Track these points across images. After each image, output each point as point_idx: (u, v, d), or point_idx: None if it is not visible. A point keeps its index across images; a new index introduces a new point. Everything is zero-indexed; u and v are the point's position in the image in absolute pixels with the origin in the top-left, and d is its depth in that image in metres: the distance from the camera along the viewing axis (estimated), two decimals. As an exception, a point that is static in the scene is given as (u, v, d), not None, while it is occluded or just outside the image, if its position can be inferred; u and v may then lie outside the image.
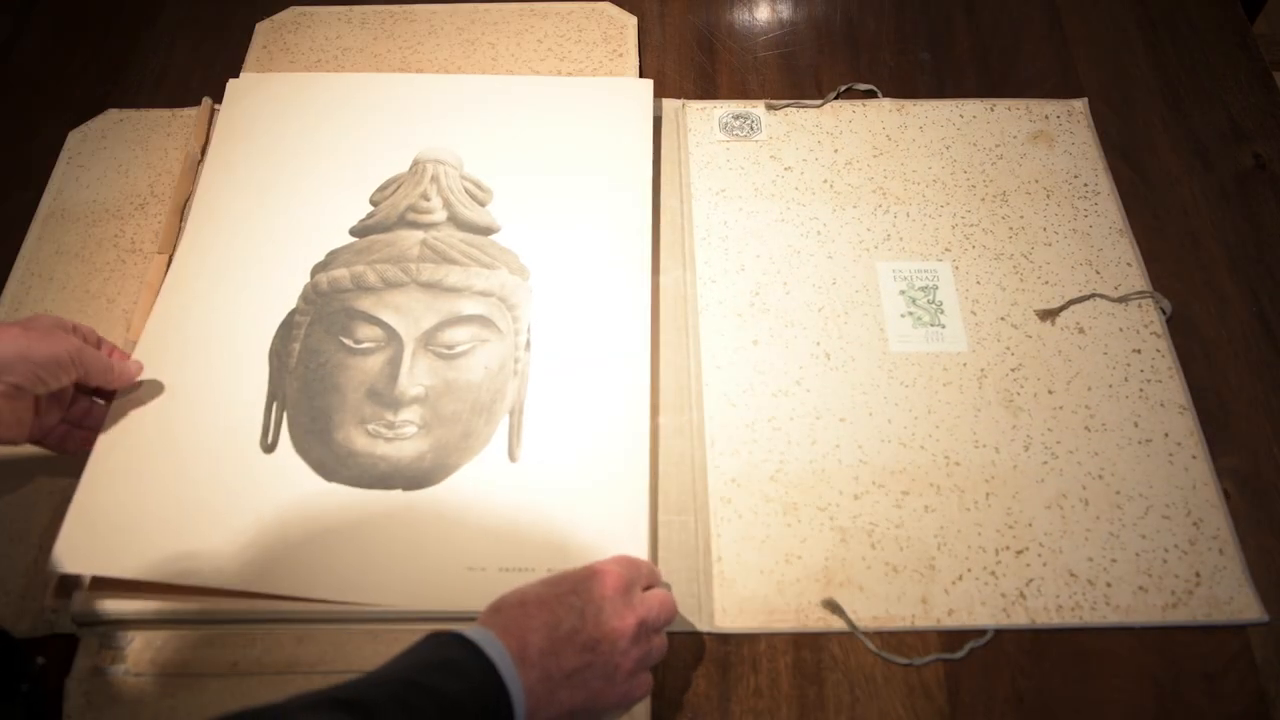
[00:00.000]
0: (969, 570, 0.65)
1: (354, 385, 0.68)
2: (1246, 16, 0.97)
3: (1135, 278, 0.78)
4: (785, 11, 0.98)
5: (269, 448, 0.67)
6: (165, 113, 0.89)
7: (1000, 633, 0.63)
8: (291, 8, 0.96)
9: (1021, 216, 0.81)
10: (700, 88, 0.90)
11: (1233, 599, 0.63)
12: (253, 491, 0.65)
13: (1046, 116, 0.88)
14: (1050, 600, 0.63)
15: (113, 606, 0.61)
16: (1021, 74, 0.92)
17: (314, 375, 0.69)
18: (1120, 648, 0.62)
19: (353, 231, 0.76)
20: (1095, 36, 0.95)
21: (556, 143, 0.82)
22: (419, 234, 0.74)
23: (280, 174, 0.81)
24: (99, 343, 0.67)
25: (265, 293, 0.73)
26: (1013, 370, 0.73)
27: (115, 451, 0.66)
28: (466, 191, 0.78)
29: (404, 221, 0.75)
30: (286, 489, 0.65)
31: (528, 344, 0.71)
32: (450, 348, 0.69)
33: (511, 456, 0.66)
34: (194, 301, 0.74)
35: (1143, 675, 0.62)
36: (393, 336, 0.69)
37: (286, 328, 0.71)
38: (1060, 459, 0.69)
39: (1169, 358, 0.74)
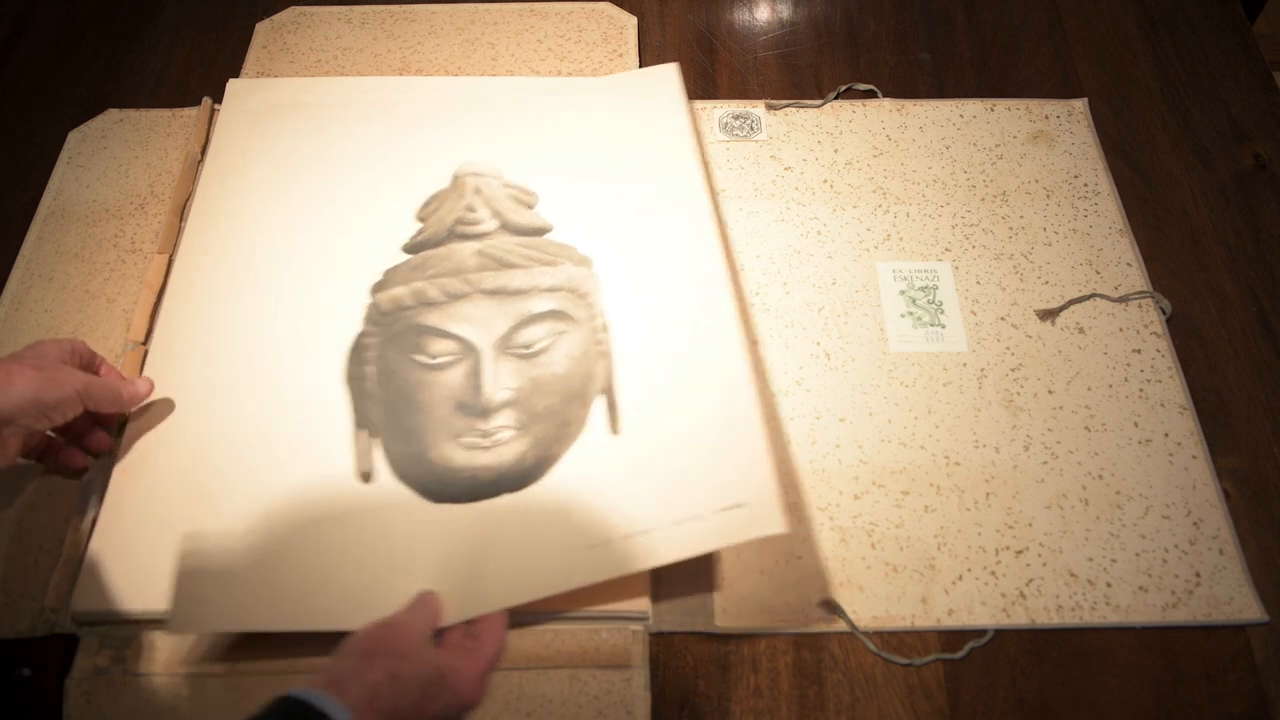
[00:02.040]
0: (969, 570, 0.65)
1: (438, 401, 0.67)
2: (1246, 16, 0.97)
3: (1135, 278, 0.78)
4: (785, 11, 0.98)
5: (365, 476, 0.65)
6: (165, 113, 0.89)
7: (1000, 633, 0.63)
8: (291, 8, 0.96)
9: (1021, 216, 0.81)
10: (700, 88, 0.90)
11: (1233, 599, 0.63)
12: (352, 524, 0.63)
13: (1046, 116, 0.88)
14: (1050, 600, 0.64)
15: (113, 606, 0.61)
16: (1021, 74, 0.92)
17: (396, 398, 0.67)
18: (1120, 648, 0.62)
19: (405, 249, 0.75)
20: (1095, 36, 0.95)
21: (591, 138, 0.81)
22: (473, 245, 0.73)
23: (298, 184, 0.80)
24: (94, 360, 0.67)
25: (306, 310, 0.72)
26: (1013, 370, 0.73)
27: (143, 483, 0.65)
28: (512, 198, 0.77)
29: (454, 235, 0.74)
30: (389, 517, 0.63)
31: (606, 325, 0.70)
32: (528, 347, 0.68)
33: (613, 430, 0.66)
34: (203, 312, 0.73)
35: (1143, 675, 0.62)
36: (468, 348, 0.68)
37: (357, 351, 0.70)
38: (1060, 459, 0.69)
39: (1169, 358, 0.74)
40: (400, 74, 0.90)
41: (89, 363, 0.66)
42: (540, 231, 0.75)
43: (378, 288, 0.73)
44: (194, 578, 0.61)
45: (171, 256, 0.77)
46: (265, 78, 0.90)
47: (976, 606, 0.63)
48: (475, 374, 0.67)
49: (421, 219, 0.77)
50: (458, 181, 0.78)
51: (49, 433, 0.66)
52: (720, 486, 0.61)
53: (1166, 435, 0.70)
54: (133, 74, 0.93)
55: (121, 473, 0.66)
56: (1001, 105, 0.89)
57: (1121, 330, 0.75)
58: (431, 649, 0.56)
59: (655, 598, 0.63)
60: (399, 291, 0.71)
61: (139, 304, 0.75)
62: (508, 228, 0.75)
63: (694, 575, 0.64)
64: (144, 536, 0.64)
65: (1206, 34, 0.95)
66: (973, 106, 0.88)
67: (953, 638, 0.63)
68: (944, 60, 0.93)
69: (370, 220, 0.77)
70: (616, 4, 0.96)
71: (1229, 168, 0.85)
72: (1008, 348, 0.74)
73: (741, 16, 0.97)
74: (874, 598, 0.64)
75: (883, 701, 0.61)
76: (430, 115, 0.84)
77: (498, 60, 0.91)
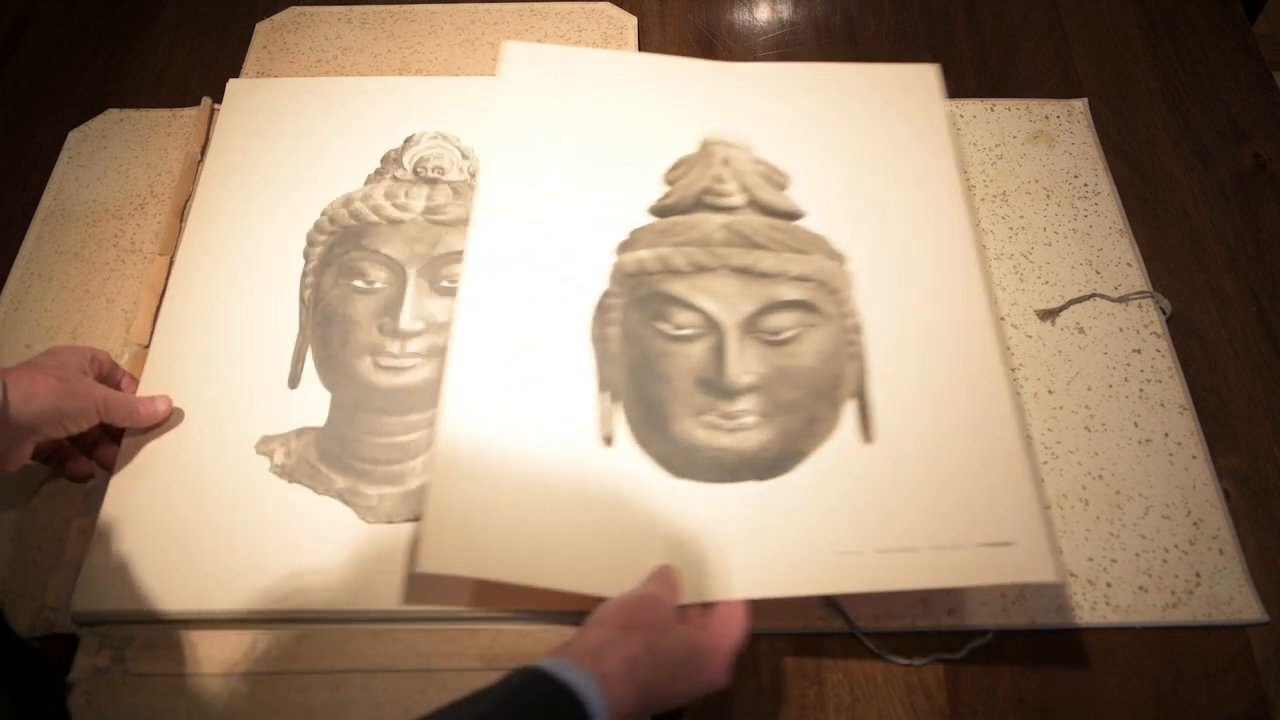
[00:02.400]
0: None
1: (681, 374, 0.66)
2: (1246, 16, 0.97)
3: (1135, 278, 0.78)
4: (785, 11, 0.98)
5: (607, 440, 0.64)
6: (165, 113, 0.89)
7: (1000, 633, 0.63)
8: (291, 8, 0.96)
9: (1021, 216, 0.81)
10: (700, 88, 0.90)
11: (1233, 599, 0.63)
12: (593, 487, 0.62)
13: (1046, 116, 0.88)
14: (1050, 600, 0.63)
15: (113, 606, 0.61)
16: (1021, 74, 0.92)
17: (638, 363, 0.66)
18: (1120, 648, 0.62)
19: (651, 211, 0.73)
20: (1095, 36, 0.95)
21: (846, 129, 0.78)
22: (720, 217, 0.71)
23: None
24: (114, 370, 0.68)
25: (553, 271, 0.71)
26: (1013, 370, 0.73)
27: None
28: (762, 176, 0.75)
29: (701, 204, 0.72)
30: (630, 484, 0.62)
31: (858, 327, 0.68)
32: (775, 333, 0.66)
33: (865, 437, 0.64)
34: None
35: (1143, 675, 0.62)
36: (712, 323, 0.67)
37: (601, 310, 0.69)
38: (1060, 459, 0.69)
39: (1169, 358, 0.74)
40: (400, 74, 0.90)
41: (109, 373, 0.67)
42: (792, 216, 0.73)
43: (623, 248, 0.71)
44: (440, 522, 0.60)
45: (172, 258, 0.77)
46: (265, 78, 0.90)
47: (976, 606, 0.63)
48: (719, 352, 0.66)
49: (669, 182, 0.75)
50: (706, 149, 0.76)
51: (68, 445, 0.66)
52: (983, 518, 0.60)
53: (1166, 435, 0.70)
54: (133, 74, 0.93)
55: (122, 473, 0.66)
56: (1001, 105, 0.89)
57: (1121, 330, 0.75)
58: (682, 627, 0.55)
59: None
60: (644, 255, 0.70)
61: (140, 306, 0.75)
62: (756, 204, 0.73)
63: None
64: (144, 537, 0.64)
65: (1206, 34, 0.95)
66: (972, 106, 0.88)
67: (953, 637, 0.63)
68: (944, 60, 0.93)
69: (618, 178, 0.74)
70: (616, 4, 0.96)
71: (1229, 168, 0.85)
72: (1008, 347, 0.74)
73: (741, 16, 0.97)
74: (874, 598, 0.64)
75: (883, 701, 0.61)
76: (680, 85, 0.81)
77: (498, 60, 0.91)
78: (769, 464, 0.63)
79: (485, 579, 0.59)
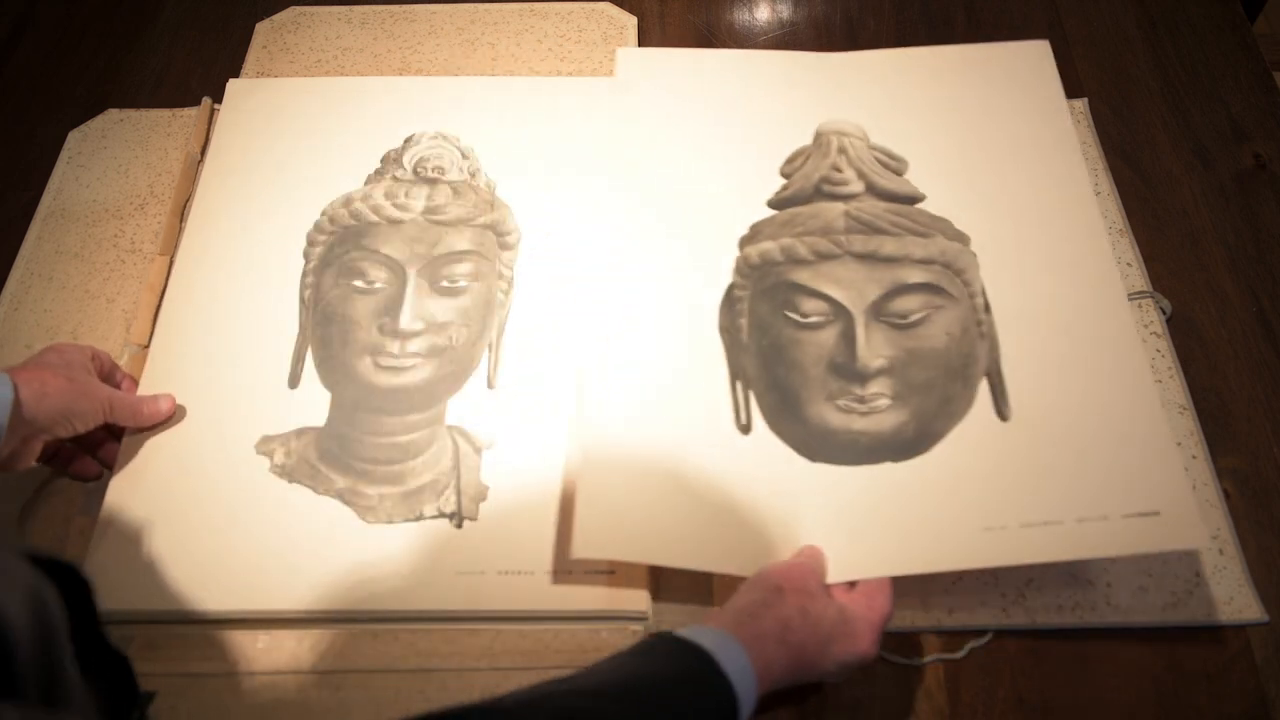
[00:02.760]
0: (969, 570, 0.65)
1: (812, 360, 0.67)
2: (1246, 16, 0.97)
3: (1135, 278, 0.78)
4: (785, 11, 0.98)
5: (744, 428, 0.65)
6: (165, 113, 0.89)
7: (1000, 633, 0.63)
8: (291, 8, 0.96)
9: (1022, 216, 0.81)
10: (700, 88, 0.90)
11: (1233, 599, 0.63)
12: (732, 473, 0.63)
13: (1047, 116, 0.88)
14: (1050, 600, 0.63)
15: (113, 606, 0.61)
16: (1021, 74, 0.92)
17: (769, 351, 0.67)
18: (1120, 648, 0.62)
19: (771, 204, 0.74)
20: (1095, 36, 0.95)
21: (961, 111, 0.78)
22: (840, 205, 0.72)
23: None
24: (114, 370, 0.68)
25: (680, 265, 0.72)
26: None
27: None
28: (878, 161, 0.75)
29: (821, 194, 0.73)
30: (768, 469, 0.63)
31: (987, 306, 0.69)
32: (904, 317, 0.67)
33: (1001, 416, 0.65)
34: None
35: (1143, 675, 0.62)
36: (839, 310, 0.68)
37: (728, 302, 0.70)
38: (1061, 459, 0.69)
39: (1169, 358, 0.74)
40: (400, 74, 0.90)
41: (109, 372, 0.67)
42: (912, 200, 0.73)
43: (745, 241, 0.72)
44: (591, 509, 0.61)
45: (172, 257, 0.77)
46: (265, 78, 0.90)
47: (976, 606, 0.63)
48: (849, 338, 0.67)
49: (786, 175, 0.76)
50: (821, 138, 0.77)
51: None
52: (1128, 489, 0.60)
53: (1167, 435, 0.70)
54: (133, 74, 0.93)
55: (123, 473, 0.66)
56: (1001, 105, 0.88)
57: (1121, 330, 0.75)
58: (831, 594, 0.56)
59: (655, 597, 0.63)
60: (768, 246, 0.71)
61: (140, 306, 0.75)
62: (874, 191, 0.73)
63: (694, 575, 0.64)
64: (144, 537, 0.64)
65: (1206, 34, 0.95)
66: (973, 106, 0.88)
67: (953, 638, 0.63)
68: (944, 60, 0.93)
69: (735, 174, 0.76)
70: (616, 4, 0.96)
71: (1229, 168, 0.85)
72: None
73: (741, 16, 0.97)
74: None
75: (883, 701, 0.61)
76: (789, 78, 0.81)
77: (498, 60, 0.91)
78: (906, 444, 0.64)
79: (635, 562, 0.61)
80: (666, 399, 0.66)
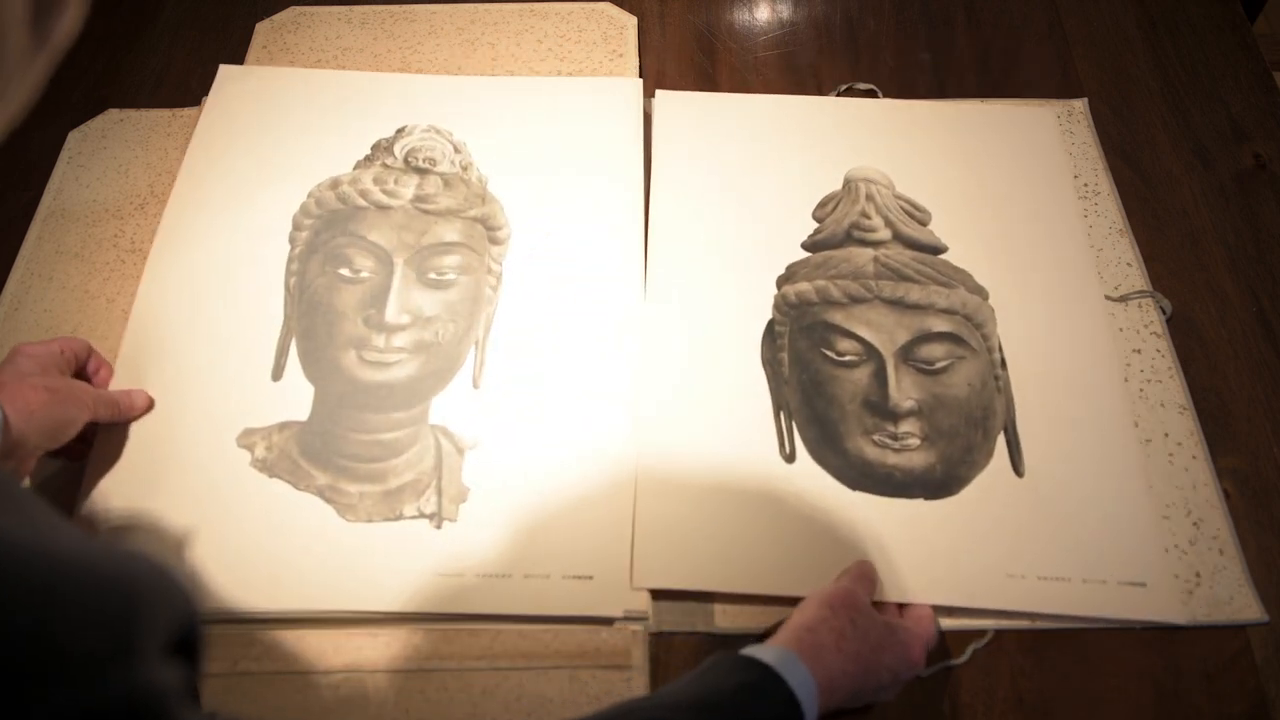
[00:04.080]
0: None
1: (849, 396, 0.70)
2: (1246, 16, 0.97)
3: (1135, 278, 0.78)
4: (785, 11, 0.98)
5: (789, 457, 0.68)
6: (165, 113, 0.89)
7: (1000, 633, 0.63)
8: (291, 8, 0.96)
9: (1022, 217, 0.82)
10: (700, 88, 0.90)
11: (1233, 599, 0.63)
12: (780, 501, 0.66)
13: (1047, 117, 0.88)
14: (1050, 600, 0.63)
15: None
16: (1021, 74, 0.92)
17: (809, 386, 0.70)
18: (1120, 648, 0.62)
19: (805, 246, 0.77)
20: (1095, 36, 0.95)
21: (976, 168, 0.82)
22: (869, 251, 0.75)
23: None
24: (88, 356, 0.67)
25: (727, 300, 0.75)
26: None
27: None
28: (903, 210, 0.78)
29: (851, 239, 0.76)
30: (814, 498, 0.66)
31: (1003, 362, 0.72)
32: (930, 363, 0.70)
33: (1017, 471, 0.67)
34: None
35: (1143, 675, 0.62)
36: (871, 351, 0.71)
37: (770, 335, 0.73)
38: (1061, 459, 0.69)
39: (1169, 358, 0.74)
40: (400, 74, 0.90)
41: (85, 360, 0.67)
42: (935, 250, 0.77)
43: (783, 280, 0.75)
44: (649, 540, 0.64)
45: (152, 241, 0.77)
46: (259, 66, 0.90)
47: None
48: (882, 378, 0.70)
49: (818, 219, 0.78)
50: (850, 185, 0.80)
51: None
52: (1119, 558, 0.64)
53: (1166, 435, 0.70)
54: (133, 74, 0.93)
55: (99, 466, 0.66)
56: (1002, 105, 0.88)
57: (1121, 330, 0.75)
58: (881, 612, 0.60)
59: (655, 598, 0.63)
60: (804, 287, 0.74)
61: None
62: (900, 238, 0.77)
63: (694, 575, 0.64)
64: (123, 532, 0.64)
65: (1206, 34, 0.95)
66: (972, 106, 0.88)
67: (953, 640, 0.63)
68: (944, 60, 0.93)
69: (771, 216, 0.79)
70: (616, 4, 0.96)
71: (1229, 168, 0.85)
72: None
73: (741, 16, 0.97)
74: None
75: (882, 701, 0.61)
76: (818, 123, 0.85)
77: (498, 60, 0.91)
78: (937, 484, 0.67)
79: (693, 589, 0.63)
80: (713, 428, 0.69)
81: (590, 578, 0.63)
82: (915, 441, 0.68)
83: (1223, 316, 0.77)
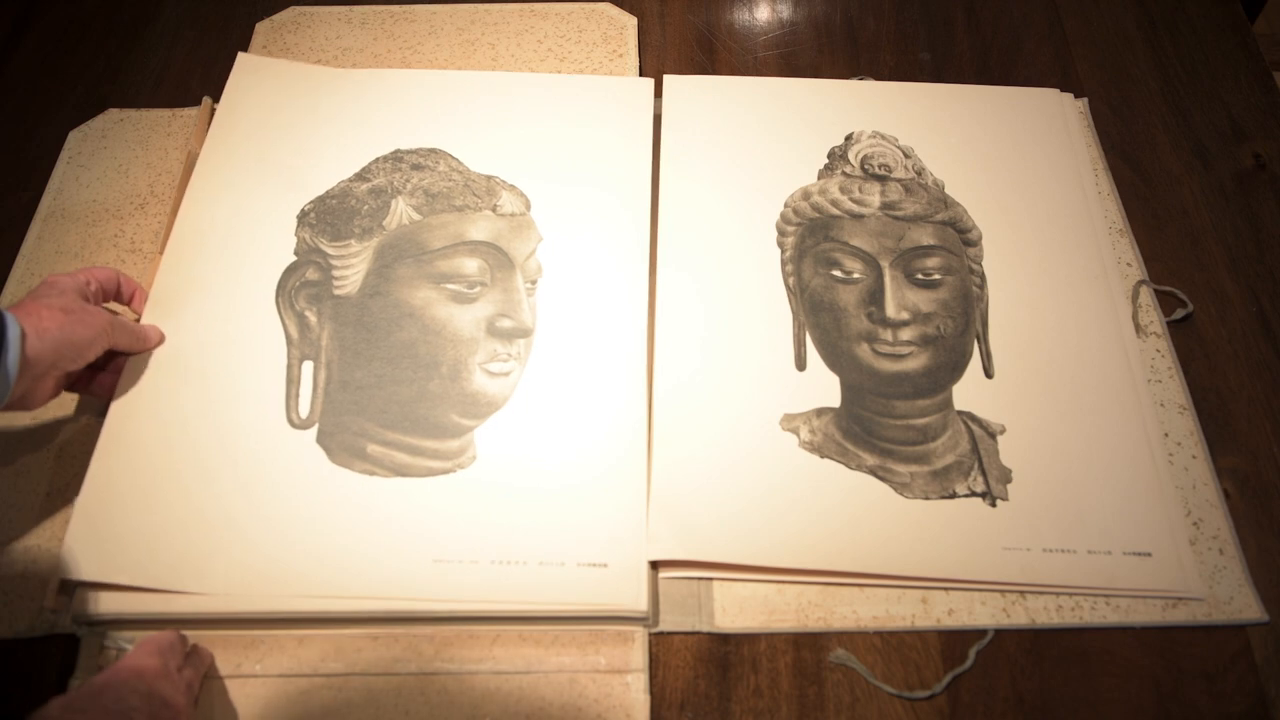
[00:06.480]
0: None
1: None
2: (1246, 16, 0.97)
3: (1135, 277, 0.78)
4: (785, 11, 0.98)
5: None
6: (165, 113, 0.89)
7: (1000, 633, 0.63)
8: (291, 8, 0.96)
9: (1022, 216, 0.82)
10: (700, 88, 0.90)
11: (1233, 599, 0.63)
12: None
13: (1047, 116, 0.88)
14: (1050, 600, 0.64)
15: (113, 606, 0.61)
16: (1021, 74, 0.92)
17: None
18: (1120, 648, 0.62)
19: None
20: (1095, 36, 0.95)
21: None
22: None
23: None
24: (119, 285, 0.69)
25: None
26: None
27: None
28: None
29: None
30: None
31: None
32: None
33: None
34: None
35: (1143, 675, 0.62)
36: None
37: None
38: (1061, 459, 0.70)
39: (1169, 357, 0.74)
40: (401, 70, 0.90)
41: (113, 290, 0.69)
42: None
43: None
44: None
45: (165, 247, 0.77)
46: (273, 58, 0.90)
47: (976, 606, 0.63)
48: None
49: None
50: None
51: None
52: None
53: (1166, 435, 0.70)
54: (133, 74, 0.93)
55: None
56: (1001, 105, 0.89)
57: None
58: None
59: (655, 598, 0.63)
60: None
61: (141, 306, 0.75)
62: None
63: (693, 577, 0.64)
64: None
65: (1206, 34, 0.95)
66: (973, 106, 0.88)
67: (954, 642, 0.63)
68: (944, 60, 0.93)
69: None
70: (616, 4, 0.96)
71: (1229, 168, 0.85)
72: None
73: (741, 16, 0.97)
74: (874, 598, 0.64)
75: (883, 701, 0.61)
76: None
77: (498, 60, 0.91)
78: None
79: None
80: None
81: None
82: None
83: (1223, 316, 0.77)
